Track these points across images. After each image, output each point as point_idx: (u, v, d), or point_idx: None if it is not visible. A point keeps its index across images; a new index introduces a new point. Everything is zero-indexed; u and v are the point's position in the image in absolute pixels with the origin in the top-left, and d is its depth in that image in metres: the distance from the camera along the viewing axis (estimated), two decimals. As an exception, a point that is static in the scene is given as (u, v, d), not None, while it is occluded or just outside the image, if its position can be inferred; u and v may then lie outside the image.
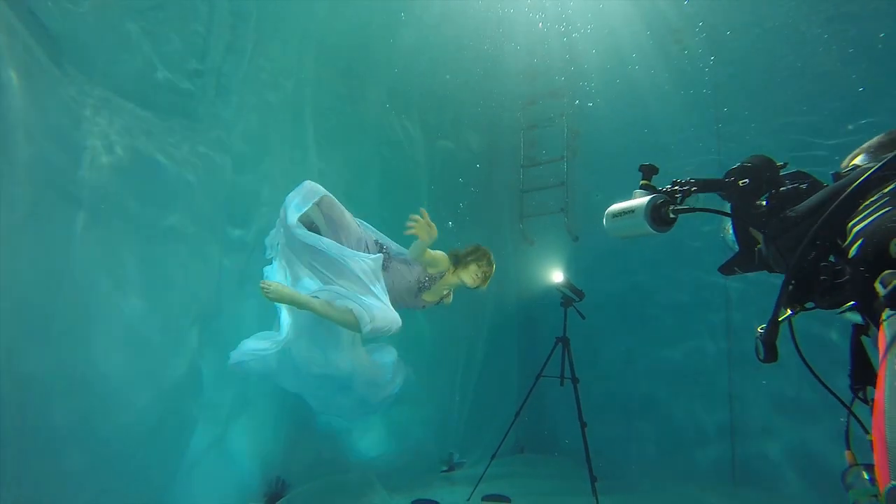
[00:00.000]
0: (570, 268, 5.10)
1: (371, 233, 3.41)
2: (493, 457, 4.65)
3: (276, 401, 4.22)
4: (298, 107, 4.74)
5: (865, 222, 1.18)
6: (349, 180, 4.94)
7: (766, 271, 1.55)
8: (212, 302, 3.83)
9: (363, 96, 5.40)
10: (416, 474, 5.07)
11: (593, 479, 4.23)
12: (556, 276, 4.54)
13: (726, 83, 5.70)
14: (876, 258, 1.10)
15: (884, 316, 1.03)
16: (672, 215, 1.47)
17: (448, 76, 6.09)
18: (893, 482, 0.86)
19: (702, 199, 1.59)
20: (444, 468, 5.43)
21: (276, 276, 3.26)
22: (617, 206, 1.60)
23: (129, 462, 3.23)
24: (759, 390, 5.02)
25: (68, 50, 3.20)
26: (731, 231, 1.65)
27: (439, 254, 3.34)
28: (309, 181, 3.22)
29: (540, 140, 6.93)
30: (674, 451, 5.47)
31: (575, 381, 4.50)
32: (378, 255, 3.19)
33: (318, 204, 3.14)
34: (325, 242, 3.08)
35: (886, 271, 1.05)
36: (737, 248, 1.64)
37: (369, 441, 4.93)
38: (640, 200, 1.51)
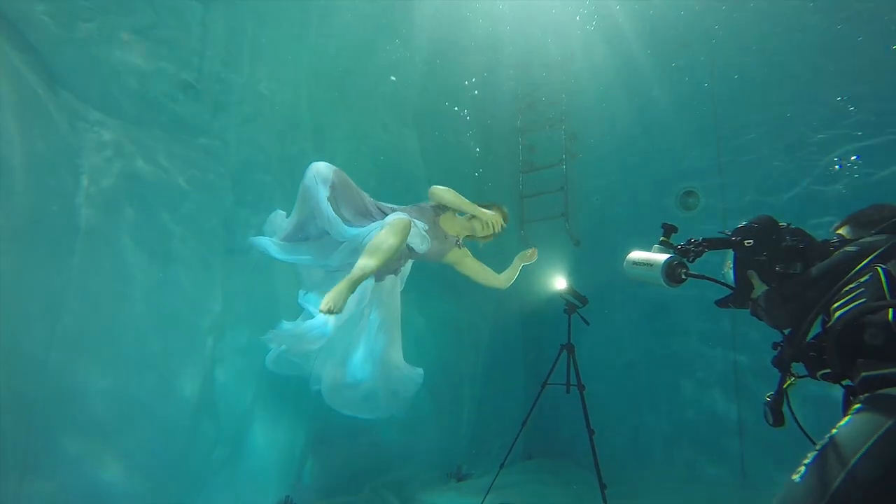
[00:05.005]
0: (573, 272, 5.07)
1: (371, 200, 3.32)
2: (501, 466, 4.61)
3: (287, 420, 4.21)
4: (295, 120, 4.75)
5: (846, 308, 1.42)
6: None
7: (755, 317, 1.82)
8: (219, 317, 3.83)
9: (360, 107, 5.40)
10: (425, 485, 5.05)
11: (603, 487, 4.19)
12: (559, 282, 4.51)
13: (725, 84, 5.69)
14: (854, 345, 1.36)
15: (857, 403, 1.33)
16: (684, 277, 1.70)
17: (444, 84, 6.10)
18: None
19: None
20: (454, 480, 5.40)
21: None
22: (638, 256, 1.79)
23: (140, 480, 3.22)
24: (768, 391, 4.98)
25: (62, 76, 3.22)
26: (731, 271, 1.85)
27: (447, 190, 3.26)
28: (316, 165, 3.05)
29: (538, 145, 6.92)
30: (684, 457, 5.43)
31: (581, 387, 4.46)
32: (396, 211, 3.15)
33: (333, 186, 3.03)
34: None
35: (860, 360, 1.35)
36: (734, 285, 1.85)
37: (380, 458, 4.90)
38: (660, 257, 1.71)
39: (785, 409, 1.65)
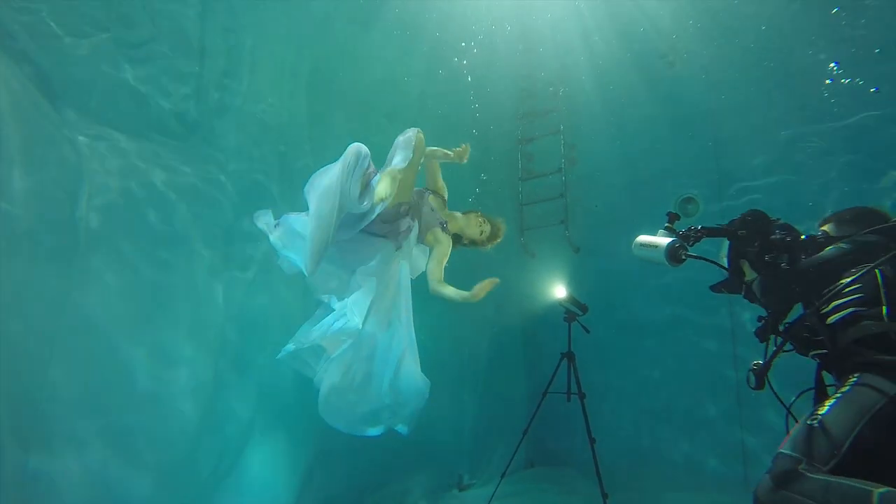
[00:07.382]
0: (572, 280, 5.08)
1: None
2: (503, 475, 4.60)
3: (289, 433, 4.19)
4: (296, 133, 4.76)
5: (844, 300, 1.65)
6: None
7: (747, 299, 2.03)
8: (220, 335, 3.83)
9: (359, 116, 5.42)
10: (426, 496, 5.03)
11: (604, 496, 4.18)
12: (559, 291, 4.51)
13: (720, 90, 5.72)
14: (854, 337, 1.61)
15: (852, 379, 1.57)
16: (684, 257, 1.93)
17: (444, 94, 6.12)
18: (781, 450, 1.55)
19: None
20: (455, 490, 5.38)
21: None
22: (645, 238, 2.01)
23: (144, 489, 3.21)
24: (770, 397, 4.97)
25: (63, 91, 3.24)
26: (726, 258, 2.06)
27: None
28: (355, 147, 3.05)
29: (537, 153, 6.94)
30: (686, 465, 5.40)
31: (582, 396, 4.46)
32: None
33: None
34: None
35: (853, 347, 1.60)
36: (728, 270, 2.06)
37: (381, 468, 4.88)
38: (664, 240, 1.94)
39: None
